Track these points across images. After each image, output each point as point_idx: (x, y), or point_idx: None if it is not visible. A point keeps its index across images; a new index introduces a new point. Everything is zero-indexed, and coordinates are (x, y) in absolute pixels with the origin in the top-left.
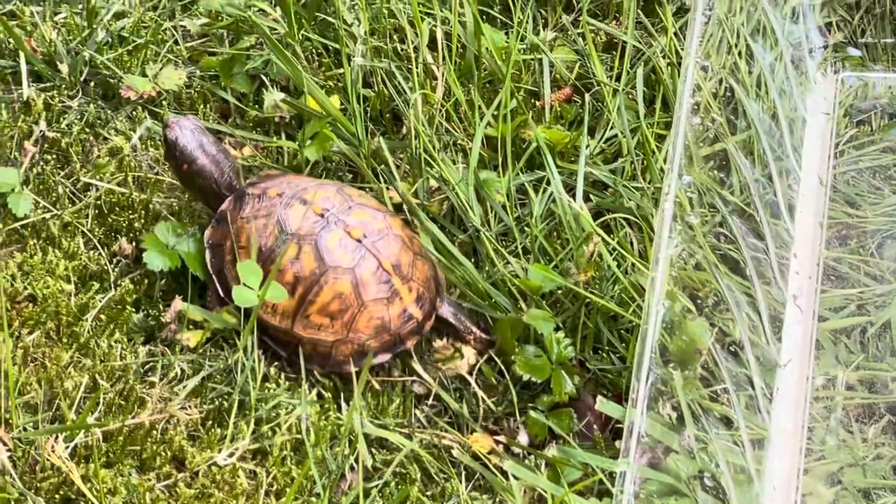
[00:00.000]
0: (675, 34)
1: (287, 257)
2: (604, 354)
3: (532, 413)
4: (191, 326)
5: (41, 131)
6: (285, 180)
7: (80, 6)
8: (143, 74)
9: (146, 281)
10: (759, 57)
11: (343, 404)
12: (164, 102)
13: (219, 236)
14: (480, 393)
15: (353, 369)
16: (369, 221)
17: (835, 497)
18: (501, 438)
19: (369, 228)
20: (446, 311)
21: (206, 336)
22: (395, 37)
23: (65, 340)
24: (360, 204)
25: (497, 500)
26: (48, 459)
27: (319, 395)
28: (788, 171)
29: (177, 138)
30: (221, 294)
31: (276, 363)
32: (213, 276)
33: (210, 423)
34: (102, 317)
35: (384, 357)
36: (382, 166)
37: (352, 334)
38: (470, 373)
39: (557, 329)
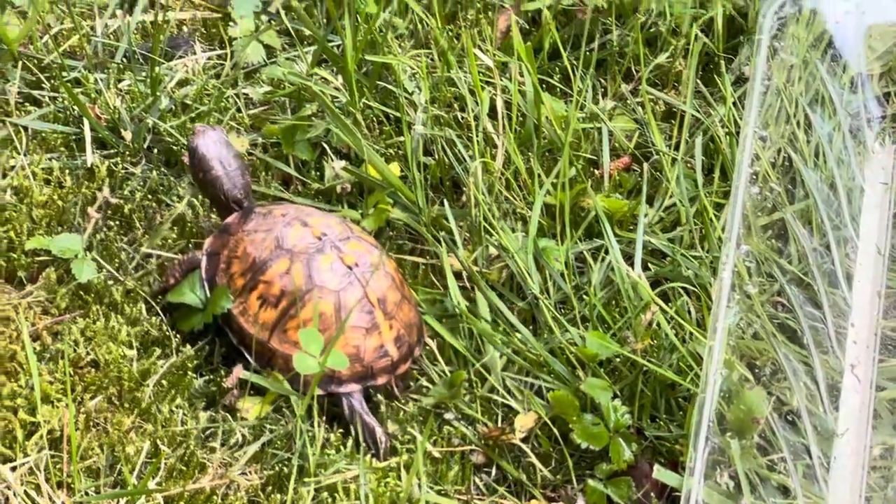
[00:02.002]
0: (734, 104)
1: (277, 271)
2: (661, 422)
3: (590, 481)
4: (252, 392)
5: (104, 198)
6: (293, 206)
7: (144, 74)
8: None
9: (207, 347)
10: (817, 126)
11: (402, 471)
12: None
13: (218, 245)
14: (537, 463)
15: (317, 392)
16: (364, 253)
17: None
18: None
19: (362, 259)
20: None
21: (265, 410)
22: (455, 105)
23: (126, 406)
24: (359, 237)
25: None
26: None
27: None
28: (846, 240)
29: (197, 146)
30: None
31: (335, 426)
32: (206, 283)
33: (270, 488)
34: (164, 382)
35: (352, 387)
36: (443, 234)
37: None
38: (525, 441)
39: (615, 397)
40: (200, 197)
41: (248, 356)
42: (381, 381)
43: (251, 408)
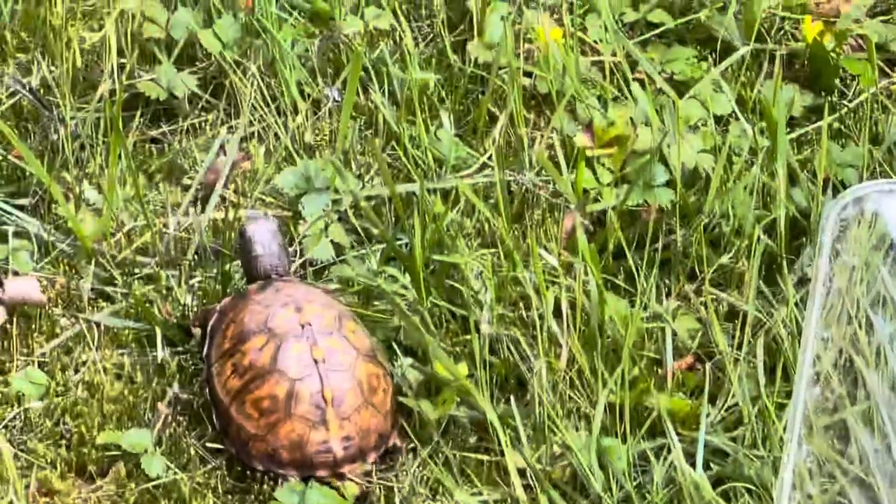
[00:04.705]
0: (796, 304)
1: (254, 345)
2: None
3: None
4: None
5: (174, 393)
6: (307, 289)
7: (215, 270)
8: None
9: None
10: (878, 328)
11: None
12: None
13: (230, 306)
14: None
15: (258, 467)
16: (338, 352)
17: None
18: None
19: (333, 358)
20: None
21: None
22: (520, 304)
23: None
24: (344, 336)
25: None
26: None
27: None
28: None
29: (246, 230)
30: (205, 348)
31: None
32: (208, 340)
33: None
34: None
35: (290, 471)
36: (508, 431)
37: (270, 436)
38: None
39: None
40: None
41: (215, 417)
42: (320, 473)
43: None
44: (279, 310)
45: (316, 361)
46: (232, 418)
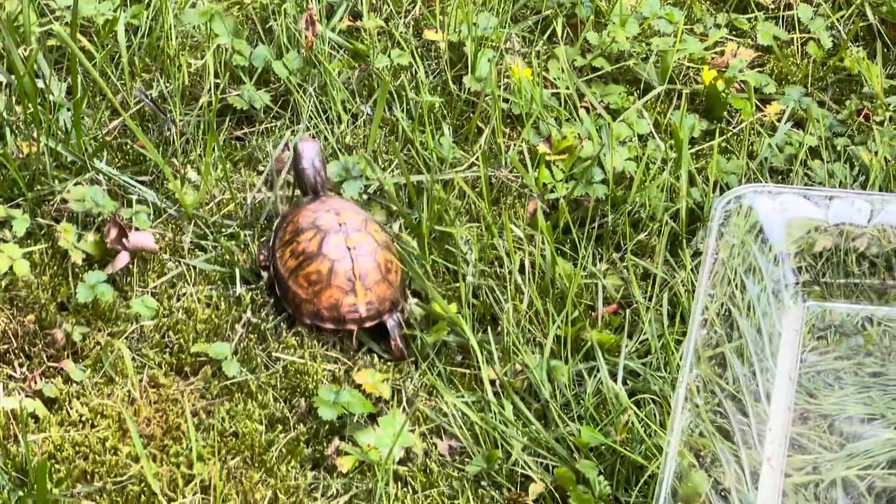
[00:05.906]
0: (692, 270)
1: (306, 237)
2: (632, 493)
3: None
4: (345, 453)
5: (247, 318)
6: (341, 201)
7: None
8: None
9: (314, 425)
10: (749, 288)
11: None
12: None
13: (289, 212)
14: None
15: (306, 322)
16: (364, 243)
17: None
18: None
19: (361, 246)
20: (391, 324)
21: (355, 464)
22: (496, 263)
23: (256, 465)
24: (368, 232)
25: None
26: None
27: None
28: (767, 369)
29: (297, 146)
30: (267, 252)
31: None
32: (274, 234)
33: None
34: (283, 450)
35: (329, 325)
36: (485, 354)
37: (315, 300)
38: (536, 503)
39: (600, 474)
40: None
41: (277, 288)
42: (349, 326)
43: (345, 463)
44: (323, 214)
45: (349, 248)
46: (288, 287)
